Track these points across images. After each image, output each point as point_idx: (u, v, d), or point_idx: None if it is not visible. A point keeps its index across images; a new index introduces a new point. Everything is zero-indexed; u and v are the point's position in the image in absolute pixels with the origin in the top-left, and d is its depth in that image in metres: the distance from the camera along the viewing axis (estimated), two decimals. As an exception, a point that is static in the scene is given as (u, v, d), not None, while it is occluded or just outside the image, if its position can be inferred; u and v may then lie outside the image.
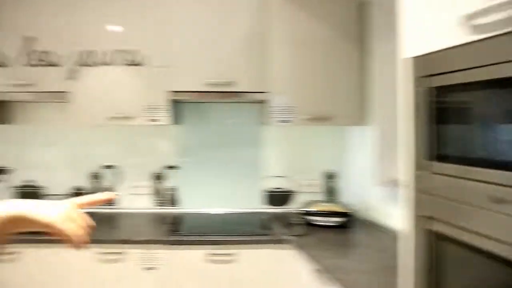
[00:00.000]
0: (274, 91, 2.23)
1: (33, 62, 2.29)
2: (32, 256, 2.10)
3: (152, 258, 2.05)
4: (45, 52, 2.29)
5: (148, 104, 2.25)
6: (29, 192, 2.71)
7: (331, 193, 2.63)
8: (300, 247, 1.92)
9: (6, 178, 2.73)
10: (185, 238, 2.08)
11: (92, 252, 2.06)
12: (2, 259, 2.09)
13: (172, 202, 2.63)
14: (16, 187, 2.73)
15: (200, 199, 2.63)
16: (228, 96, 2.28)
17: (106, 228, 2.40)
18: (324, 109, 2.25)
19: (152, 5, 2.26)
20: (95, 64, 2.27)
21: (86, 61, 2.27)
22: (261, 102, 2.44)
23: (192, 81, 2.24)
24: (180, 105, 2.55)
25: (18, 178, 2.73)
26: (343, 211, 2.25)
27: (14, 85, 2.30)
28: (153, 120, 2.26)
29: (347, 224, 2.23)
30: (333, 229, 2.20)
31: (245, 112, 2.65)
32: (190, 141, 2.65)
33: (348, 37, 2.25)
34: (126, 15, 2.27)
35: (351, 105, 2.28)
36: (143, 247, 2.05)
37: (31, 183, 2.72)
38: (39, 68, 2.30)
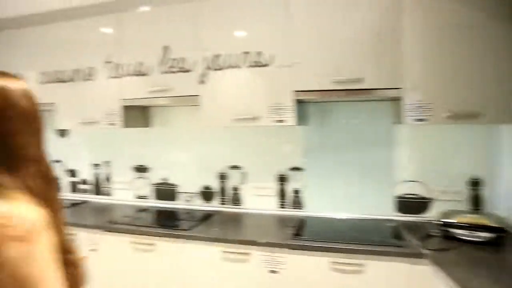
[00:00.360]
0: (408, 87, 2.00)
1: (168, 69, 2.47)
2: (166, 248, 2.26)
3: (276, 261, 2.02)
4: (178, 59, 2.44)
5: (273, 105, 2.23)
6: (164, 189, 2.95)
7: (476, 203, 2.27)
8: (439, 263, 1.67)
9: (147, 175, 3.01)
10: (309, 244, 1.98)
11: (219, 251, 2.12)
12: (142, 248, 2.29)
13: (296, 204, 2.58)
14: (154, 184, 2.99)
15: (325, 202, 2.52)
16: (356, 94, 2.11)
17: (231, 228, 2.46)
18: (469, 105, 1.93)
19: (274, 5, 2.23)
20: (222, 68, 2.34)
21: (214, 65, 2.35)
22: (393, 99, 2.22)
23: (318, 79, 2.14)
24: (305, 105, 2.48)
25: (156, 176, 2.99)
26: (495, 225, 1.91)
27: (153, 92, 2.51)
28: (278, 121, 2.23)
29: (499, 241, 1.88)
30: (480, 246, 1.87)
31: (375, 111, 2.44)
32: (315, 142, 2.56)
33: (501, 18, 1.89)
34: (250, 18, 2.29)
35: (505, 99, 1.91)
36: (267, 250, 2.03)
37: (166, 181, 2.95)
38: (174, 74, 2.46)
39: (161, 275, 2.28)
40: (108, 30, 2.66)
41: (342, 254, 1.90)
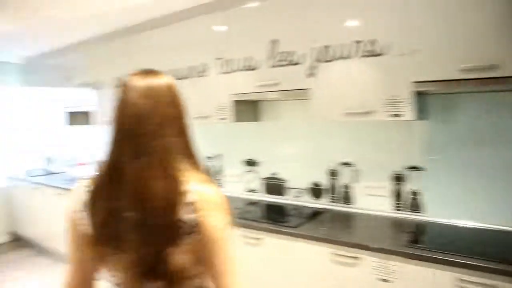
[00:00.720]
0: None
1: (277, 63, 2.42)
2: (273, 244, 2.24)
3: (388, 269, 1.83)
4: (287, 52, 2.38)
5: (389, 98, 2.01)
6: (273, 184, 2.94)
7: None
8: None
9: (257, 169, 3.04)
10: (428, 254, 1.75)
11: (326, 252, 2.02)
12: (249, 242, 2.31)
13: (414, 207, 2.32)
14: (264, 178, 3.00)
15: (448, 207, 2.21)
16: (489, 83, 1.77)
17: (340, 228, 2.34)
18: None
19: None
20: (332, 59, 2.21)
21: (324, 57, 2.23)
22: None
23: (441, 68, 1.86)
24: (426, 98, 2.21)
25: (265, 170, 3.00)
26: None
27: (262, 86, 2.50)
28: (394, 116, 2.01)
29: None
30: None
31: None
32: (437, 139, 2.25)
33: None
34: (362, 3, 2.10)
35: None
36: (380, 256, 1.85)
37: (275, 175, 2.93)
38: (282, 68, 2.41)
39: (267, 270, 2.26)
40: (218, 28, 2.73)
41: (470, 270, 1.63)
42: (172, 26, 3.02)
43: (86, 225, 0.93)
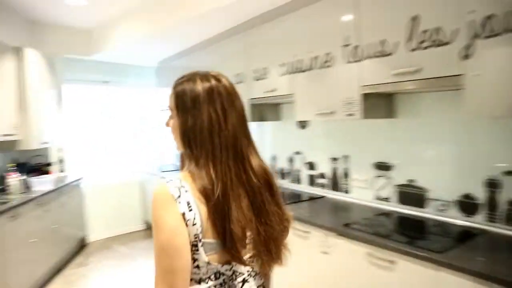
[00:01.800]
0: None
1: (418, 45, 1.95)
2: (410, 270, 1.79)
3: None
4: (432, 30, 1.88)
5: None
6: (410, 192, 2.44)
7: None
8: None
9: (389, 174, 2.57)
10: None
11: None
12: (378, 264, 1.90)
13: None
14: (398, 185, 2.52)
15: None
16: None
17: (506, 259, 1.76)
18: None
19: None
20: (497, 34, 1.64)
21: (485, 31, 1.68)
22: None
23: None
24: None
25: (400, 176, 2.51)
26: None
27: (398, 75, 2.05)
28: None
29: None
30: None
31: None
32: None
33: None
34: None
35: None
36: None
37: (413, 183, 2.43)
38: (425, 51, 1.92)
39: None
40: (344, 10, 2.35)
41: None
42: (291, 15, 2.77)
43: (196, 224, 0.91)
